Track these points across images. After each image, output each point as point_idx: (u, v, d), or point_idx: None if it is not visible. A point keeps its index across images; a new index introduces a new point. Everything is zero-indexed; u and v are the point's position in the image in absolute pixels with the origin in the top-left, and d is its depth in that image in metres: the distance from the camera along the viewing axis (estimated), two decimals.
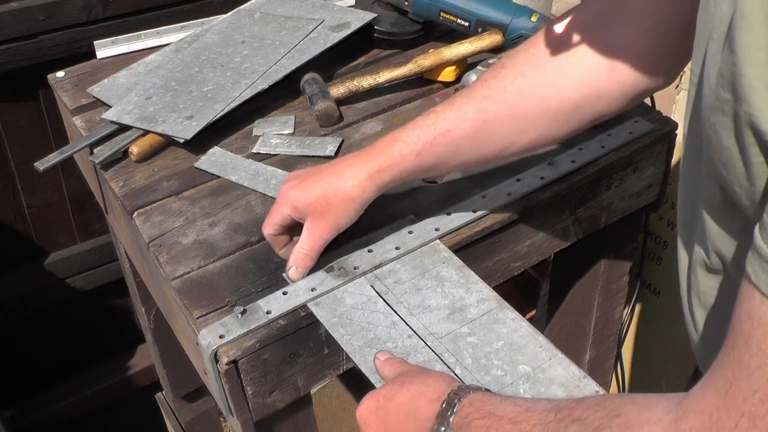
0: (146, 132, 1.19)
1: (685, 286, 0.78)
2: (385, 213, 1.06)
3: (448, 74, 1.30)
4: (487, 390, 0.69)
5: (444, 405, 0.68)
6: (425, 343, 0.86)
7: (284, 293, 0.93)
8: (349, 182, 0.90)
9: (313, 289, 0.93)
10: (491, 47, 1.29)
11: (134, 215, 1.09)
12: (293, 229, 0.95)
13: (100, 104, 1.29)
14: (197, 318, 0.92)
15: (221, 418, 1.79)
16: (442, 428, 0.67)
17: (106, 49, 1.42)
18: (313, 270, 0.96)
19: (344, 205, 0.91)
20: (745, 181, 0.56)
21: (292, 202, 0.91)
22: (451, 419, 0.66)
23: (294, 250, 0.94)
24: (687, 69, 0.81)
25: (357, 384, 1.53)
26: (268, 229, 0.94)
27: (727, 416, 0.48)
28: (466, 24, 1.34)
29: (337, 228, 0.92)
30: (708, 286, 0.72)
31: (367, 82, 1.26)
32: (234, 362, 0.88)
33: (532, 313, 1.75)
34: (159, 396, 1.93)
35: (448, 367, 0.83)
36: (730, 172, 0.57)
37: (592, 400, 0.58)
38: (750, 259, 0.48)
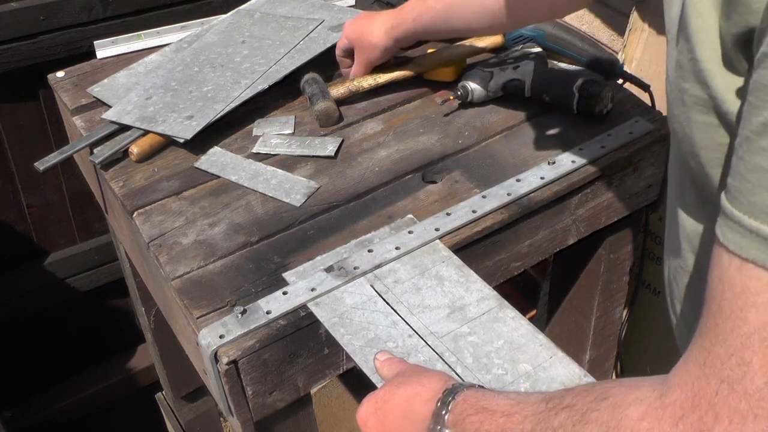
0: (146, 132, 1.19)
1: (668, 290, 0.79)
2: (385, 213, 1.06)
3: (447, 74, 1.30)
4: (482, 386, 0.70)
5: (439, 404, 0.68)
6: (426, 342, 0.86)
7: (284, 293, 0.93)
8: (374, 32, 1.22)
9: (313, 289, 0.93)
10: (491, 48, 1.29)
11: (134, 215, 1.09)
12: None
13: (100, 104, 1.29)
14: (197, 318, 0.92)
15: (221, 418, 1.79)
16: (438, 427, 0.67)
17: (106, 49, 1.42)
18: (313, 270, 0.96)
19: (371, 48, 1.24)
20: (708, 169, 0.58)
21: (347, 34, 1.27)
22: (446, 417, 0.67)
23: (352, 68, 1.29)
24: None
25: (357, 384, 1.53)
26: (338, 52, 1.30)
27: (707, 384, 0.48)
28: None
29: (370, 61, 1.26)
30: (684, 281, 0.72)
31: (367, 82, 1.26)
32: (234, 362, 0.88)
33: (532, 313, 1.75)
34: (159, 396, 1.93)
35: (449, 367, 0.83)
36: (696, 162, 0.60)
37: (582, 387, 0.59)
38: (718, 224, 0.49)
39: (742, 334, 0.46)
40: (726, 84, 0.53)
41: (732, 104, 0.53)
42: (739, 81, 0.53)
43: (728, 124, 0.54)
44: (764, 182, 0.45)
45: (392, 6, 1.40)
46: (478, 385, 0.70)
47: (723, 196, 0.49)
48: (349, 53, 1.28)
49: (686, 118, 0.58)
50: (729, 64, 0.53)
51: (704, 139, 0.57)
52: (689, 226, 0.69)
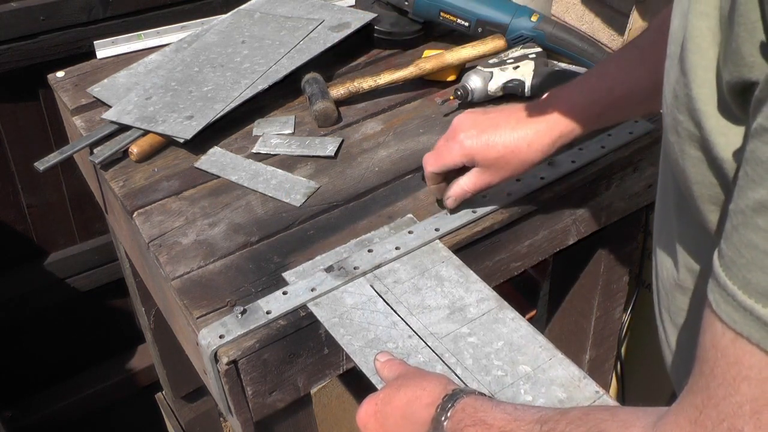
0: (146, 132, 1.19)
1: (656, 299, 0.79)
2: (385, 213, 1.06)
3: (447, 74, 1.31)
4: (481, 394, 0.70)
5: (438, 410, 0.68)
6: (425, 343, 0.86)
7: (284, 293, 0.93)
8: (531, 146, 0.91)
9: (313, 289, 0.93)
10: (493, 52, 1.29)
11: (134, 215, 1.09)
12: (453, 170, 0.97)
13: (100, 104, 1.29)
14: (197, 318, 0.92)
15: (221, 418, 1.79)
16: None
17: (106, 49, 1.42)
18: (313, 270, 0.96)
19: (521, 165, 0.93)
20: (700, 203, 0.57)
21: (470, 152, 0.93)
22: (444, 424, 0.67)
23: (457, 184, 0.97)
24: None
25: (357, 384, 1.53)
26: (436, 168, 0.97)
27: None
28: (466, 24, 1.34)
29: (505, 181, 0.95)
30: (678, 304, 0.72)
31: (367, 83, 1.25)
32: (234, 362, 0.88)
33: (532, 313, 1.75)
34: (159, 396, 1.93)
35: (449, 368, 0.83)
36: (689, 195, 0.59)
37: (575, 414, 0.59)
38: (711, 287, 0.48)
39: (734, 402, 0.46)
40: (719, 128, 0.51)
41: (723, 150, 0.51)
42: (733, 128, 0.51)
43: (718, 168, 0.53)
44: (759, 262, 0.45)
45: (392, 6, 1.39)
46: (478, 392, 0.70)
47: (716, 260, 0.48)
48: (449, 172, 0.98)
49: (680, 150, 0.57)
50: (724, 107, 0.51)
51: (696, 174, 0.56)
52: (686, 244, 0.68)
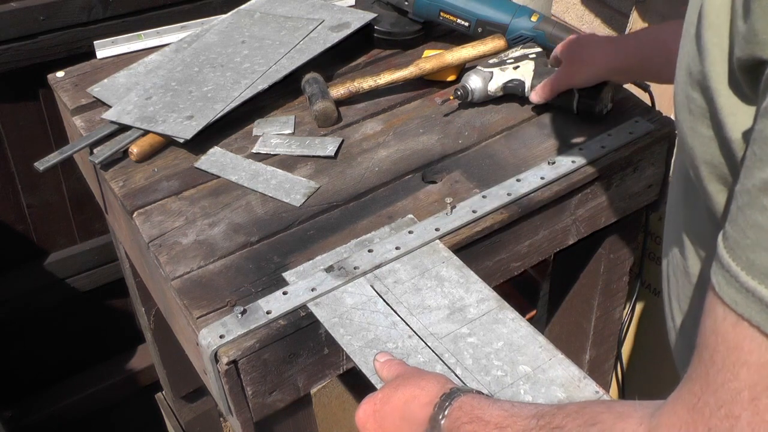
0: (146, 132, 1.19)
1: (665, 283, 0.79)
2: (385, 213, 1.06)
3: (447, 74, 1.30)
4: (479, 392, 0.70)
5: (436, 408, 0.68)
6: (425, 343, 0.86)
7: (284, 293, 0.93)
8: (600, 48, 1.15)
9: (313, 289, 0.93)
10: (494, 52, 1.29)
11: (134, 215, 1.09)
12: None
13: (100, 104, 1.29)
14: (197, 318, 0.92)
15: (221, 418, 1.79)
16: (434, 431, 0.68)
17: (106, 49, 1.42)
18: (313, 270, 0.96)
19: (590, 60, 1.15)
20: (706, 183, 0.57)
21: (560, 49, 1.20)
22: (442, 423, 0.67)
23: (543, 82, 1.19)
24: None
25: (357, 384, 1.53)
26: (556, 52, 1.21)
27: (695, 430, 0.48)
28: (466, 24, 1.34)
29: (573, 82, 1.16)
30: (685, 291, 0.72)
31: (367, 83, 1.25)
32: (234, 362, 0.88)
33: (532, 313, 1.75)
34: (159, 396, 1.93)
35: (449, 368, 0.83)
36: (695, 174, 0.59)
37: (572, 408, 0.59)
38: (714, 269, 0.48)
39: (732, 388, 0.46)
40: (729, 107, 0.51)
41: (733, 130, 0.51)
42: (743, 107, 0.50)
43: (727, 147, 0.53)
44: (764, 242, 0.44)
45: (392, 6, 1.39)
46: (476, 391, 0.70)
47: (720, 241, 0.48)
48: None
49: (691, 128, 0.56)
50: (735, 86, 0.50)
51: (705, 153, 0.56)
52: (693, 230, 0.68)
